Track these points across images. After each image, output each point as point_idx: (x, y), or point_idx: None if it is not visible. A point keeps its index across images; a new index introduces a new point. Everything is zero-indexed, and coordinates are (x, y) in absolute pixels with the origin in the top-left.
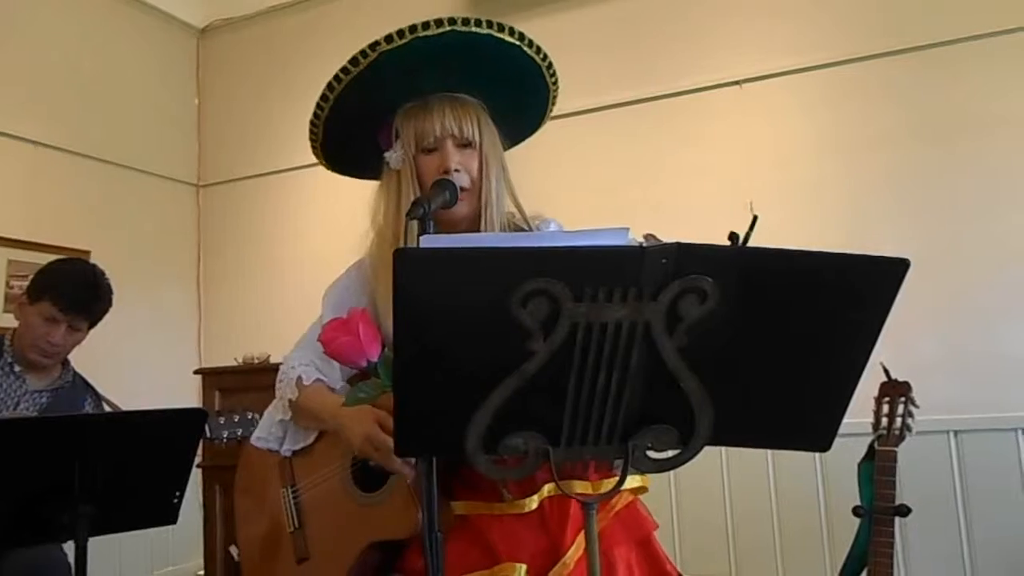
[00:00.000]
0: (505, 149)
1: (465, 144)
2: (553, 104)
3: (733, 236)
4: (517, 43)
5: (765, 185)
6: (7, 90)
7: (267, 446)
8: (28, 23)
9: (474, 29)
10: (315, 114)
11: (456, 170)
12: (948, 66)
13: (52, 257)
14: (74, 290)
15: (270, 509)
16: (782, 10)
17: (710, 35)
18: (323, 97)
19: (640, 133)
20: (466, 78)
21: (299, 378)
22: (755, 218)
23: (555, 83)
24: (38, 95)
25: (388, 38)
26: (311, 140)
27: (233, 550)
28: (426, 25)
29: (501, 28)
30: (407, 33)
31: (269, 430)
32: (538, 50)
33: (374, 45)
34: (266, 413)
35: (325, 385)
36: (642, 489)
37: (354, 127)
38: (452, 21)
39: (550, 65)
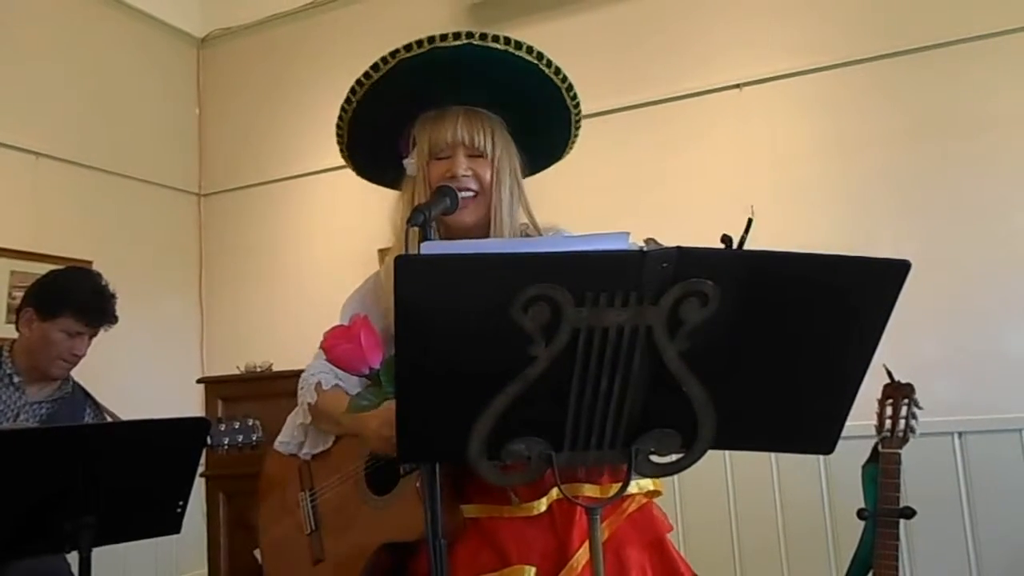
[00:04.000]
0: (527, 175)
1: (477, 154)
2: (577, 129)
3: (726, 239)
4: (535, 62)
5: (765, 187)
6: (8, 102)
7: (288, 450)
8: (29, 35)
9: (491, 44)
10: (340, 118)
11: (465, 175)
12: (946, 67)
13: (54, 267)
14: (90, 300)
15: (290, 512)
16: (781, 13)
17: (709, 39)
18: (347, 100)
19: (640, 137)
20: (484, 94)
21: (318, 383)
22: (750, 221)
23: (576, 106)
24: (39, 106)
25: (407, 47)
26: (338, 143)
27: (257, 554)
28: (444, 37)
29: (519, 46)
30: (425, 43)
31: (291, 435)
32: (557, 71)
33: (394, 53)
34: (288, 418)
35: (343, 390)
36: (655, 493)
37: (376, 134)
38: (469, 35)
39: (570, 87)
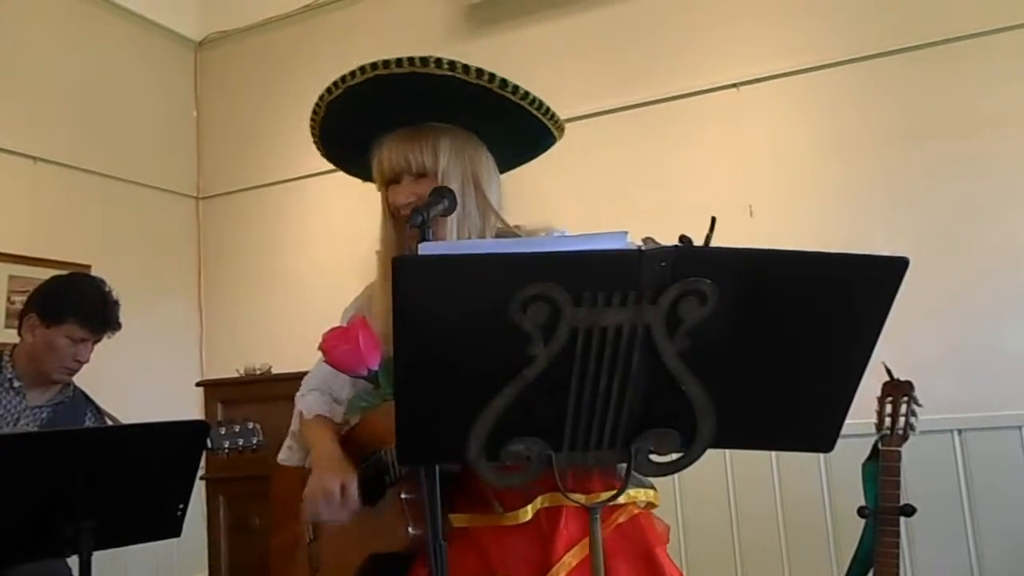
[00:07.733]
0: (505, 170)
1: (420, 175)
2: (547, 116)
3: (684, 239)
4: (487, 84)
5: (763, 187)
6: (6, 106)
7: (288, 463)
8: (27, 39)
9: (433, 70)
10: (312, 133)
11: (407, 202)
12: (944, 65)
13: (53, 272)
14: (94, 306)
15: (294, 520)
16: (778, 13)
17: (707, 38)
18: (311, 124)
19: (638, 137)
20: (429, 110)
21: (300, 413)
22: (713, 220)
23: (548, 115)
24: (37, 111)
25: (352, 73)
26: (317, 144)
27: None
28: (387, 64)
29: (467, 70)
30: (368, 70)
31: (288, 450)
32: (515, 90)
33: (344, 78)
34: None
35: (324, 418)
36: (651, 505)
37: (349, 155)
38: (412, 61)
39: (533, 100)
